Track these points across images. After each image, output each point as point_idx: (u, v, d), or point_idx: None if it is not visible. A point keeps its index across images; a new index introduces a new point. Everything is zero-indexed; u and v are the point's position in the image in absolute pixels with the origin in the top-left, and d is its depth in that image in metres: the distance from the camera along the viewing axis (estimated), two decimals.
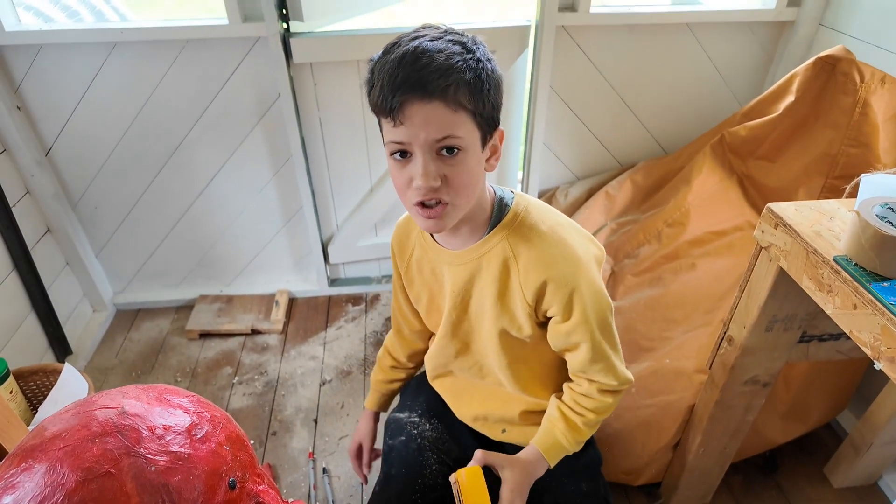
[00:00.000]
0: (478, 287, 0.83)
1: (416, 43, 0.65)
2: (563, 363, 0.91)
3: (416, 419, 1.01)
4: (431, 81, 0.64)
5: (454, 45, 0.66)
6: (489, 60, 0.69)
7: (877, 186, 0.78)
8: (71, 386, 1.27)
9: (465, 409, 0.99)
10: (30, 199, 1.63)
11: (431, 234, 0.86)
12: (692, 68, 1.72)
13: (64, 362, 1.34)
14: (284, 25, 1.49)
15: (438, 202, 0.71)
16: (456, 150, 0.68)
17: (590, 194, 1.80)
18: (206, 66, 1.53)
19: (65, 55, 1.48)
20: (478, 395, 0.97)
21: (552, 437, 0.87)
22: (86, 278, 1.83)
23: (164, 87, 1.55)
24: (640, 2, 1.78)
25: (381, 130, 0.72)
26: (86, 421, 0.51)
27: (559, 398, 0.90)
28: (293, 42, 1.49)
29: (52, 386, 1.30)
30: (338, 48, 1.53)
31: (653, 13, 1.59)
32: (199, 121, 1.63)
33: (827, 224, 0.80)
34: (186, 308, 1.94)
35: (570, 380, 0.92)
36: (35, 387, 1.38)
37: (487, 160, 0.74)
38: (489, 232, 0.79)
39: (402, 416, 1.02)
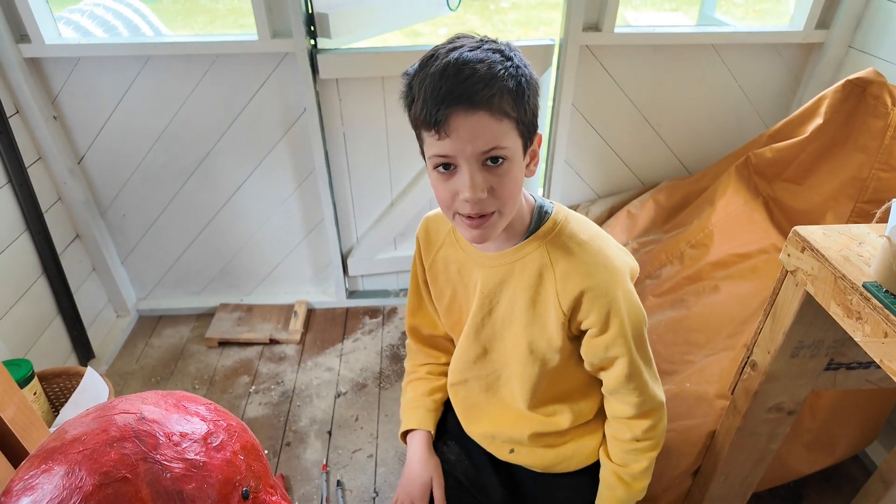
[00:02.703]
0: (508, 292, 0.82)
1: (455, 54, 0.65)
2: (585, 386, 0.89)
3: (435, 442, 0.99)
4: (476, 92, 0.63)
5: (493, 53, 0.66)
6: (527, 66, 0.69)
7: None
8: (92, 390, 1.29)
9: (474, 425, 0.98)
10: (61, 205, 1.68)
11: None
12: (717, 89, 1.70)
13: (87, 366, 1.37)
14: (312, 42, 1.53)
15: (485, 213, 0.70)
16: (501, 161, 0.68)
17: (611, 213, 1.79)
18: (235, 80, 1.57)
19: (101, 68, 1.53)
20: (488, 411, 0.95)
21: (616, 502, 0.87)
22: (111, 284, 1.87)
23: (194, 99, 1.59)
24: (665, 22, 1.78)
25: (422, 144, 0.72)
26: (105, 425, 0.52)
27: (608, 456, 0.89)
28: (320, 58, 1.52)
29: (75, 389, 1.32)
30: (363, 65, 1.56)
31: (677, 34, 1.59)
32: (226, 133, 1.66)
33: (856, 249, 0.78)
34: (207, 316, 1.97)
35: (587, 401, 0.91)
36: (58, 389, 1.40)
37: (528, 166, 0.74)
38: (527, 237, 0.79)
39: None
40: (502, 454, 0.96)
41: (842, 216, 1.26)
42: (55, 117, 1.58)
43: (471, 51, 0.65)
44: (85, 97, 1.57)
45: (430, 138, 0.68)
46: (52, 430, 1.08)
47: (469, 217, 0.70)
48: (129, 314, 1.95)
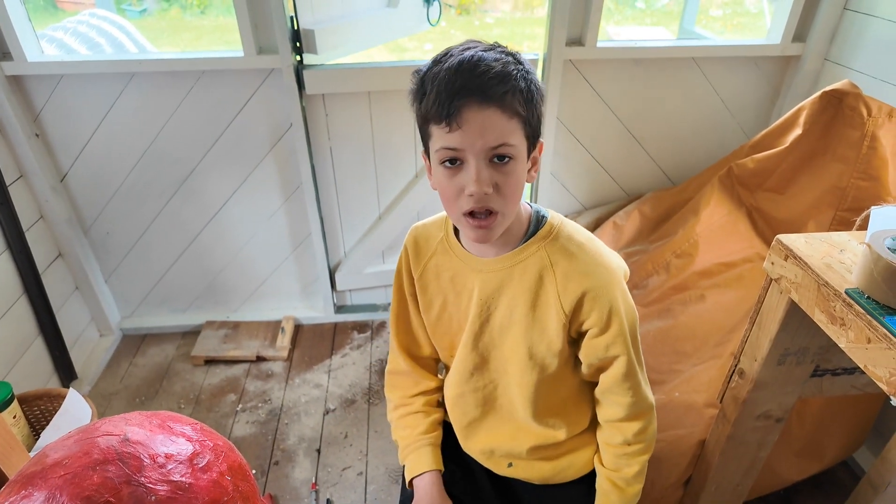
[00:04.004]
0: (506, 296, 0.82)
1: (470, 53, 0.67)
2: (578, 395, 0.89)
3: None
4: (491, 87, 0.66)
5: (506, 56, 0.69)
6: (534, 73, 0.72)
7: (887, 219, 0.78)
8: (74, 411, 1.26)
9: (471, 441, 0.96)
10: (43, 223, 1.65)
11: (458, 240, 0.85)
12: (699, 101, 1.73)
13: (69, 387, 1.34)
14: (298, 58, 1.53)
15: (489, 212, 0.71)
16: (507, 159, 0.69)
17: (597, 224, 1.81)
18: (221, 96, 1.57)
19: (84, 85, 1.52)
20: (486, 426, 0.94)
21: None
22: (94, 303, 1.84)
23: (179, 116, 1.59)
24: (646, 36, 1.82)
25: (428, 140, 0.73)
26: (87, 448, 0.51)
27: (601, 463, 0.89)
28: (306, 74, 1.52)
29: (56, 411, 1.29)
30: (350, 80, 1.56)
31: (658, 48, 1.62)
32: (211, 149, 1.65)
33: (838, 256, 0.79)
34: (193, 334, 1.94)
35: (580, 410, 0.91)
36: (39, 412, 1.37)
37: (528, 171, 0.76)
38: (526, 241, 0.80)
39: None
40: (501, 469, 0.95)
41: (823, 224, 1.29)
42: (37, 135, 1.56)
43: (485, 51, 0.68)
44: (68, 114, 1.56)
45: (439, 131, 0.69)
46: (32, 454, 1.05)
47: (473, 216, 0.72)
48: (113, 333, 1.92)
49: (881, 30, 1.41)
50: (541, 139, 0.75)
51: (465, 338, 0.88)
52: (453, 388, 0.94)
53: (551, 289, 0.78)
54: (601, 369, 0.83)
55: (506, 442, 0.93)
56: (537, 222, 0.81)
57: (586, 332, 0.80)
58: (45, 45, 1.53)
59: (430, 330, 0.94)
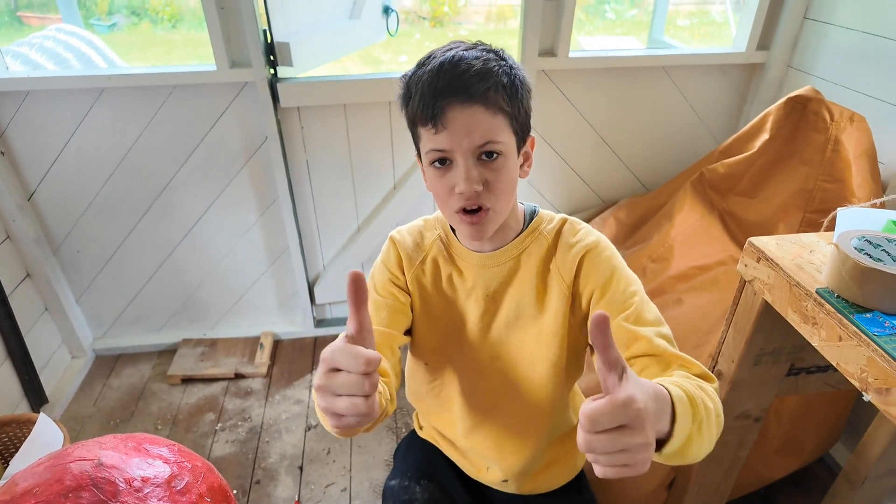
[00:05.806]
0: (514, 286, 0.81)
1: (451, 53, 0.68)
2: (573, 399, 0.89)
3: (407, 483, 0.96)
4: (472, 85, 0.66)
5: (488, 53, 0.69)
6: (520, 68, 0.72)
7: (853, 220, 0.81)
8: (45, 437, 1.22)
9: (471, 441, 0.92)
10: (10, 244, 1.61)
11: (457, 238, 0.83)
12: (669, 108, 1.77)
13: (39, 412, 1.29)
14: (272, 71, 1.52)
15: (479, 208, 0.71)
16: (496, 155, 0.70)
17: None
18: (194, 110, 1.55)
19: (52, 101, 1.49)
20: (484, 431, 0.90)
21: (683, 389, 0.62)
22: (65, 324, 1.79)
23: (151, 131, 1.56)
24: (617, 46, 1.85)
25: (418, 142, 0.73)
26: (59, 474, 0.49)
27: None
28: (280, 87, 1.51)
29: (26, 437, 1.25)
30: (324, 93, 1.56)
31: (629, 57, 1.65)
32: (185, 164, 1.63)
33: (808, 257, 0.81)
34: (169, 353, 1.90)
35: (574, 420, 0.90)
36: (7, 439, 1.32)
37: (521, 167, 0.76)
38: (524, 231, 0.81)
39: (394, 483, 0.97)
40: (495, 482, 0.93)
41: (792, 226, 1.32)
42: (2, 153, 1.52)
43: (466, 50, 0.69)
44: (35, 131, 1.52)
45: (426, 133, 0.70)
46: (1, 483, 1.01)
47: (465, 213, 0.72)
48: (86, 354, 1.86)
49: (839, 37, 1.47)
50: (531, 134, 0.75)
51: (469, 336, 0.85)
52: (459, 392, 0.89)
53: (553, 266, 0.79)
54: (626, 322, 0.73)
55: (505, 457, 0.90)
56: (531, 216, 0.83)
57: (588, 310, 0.77)
58: (9, 61, 1.50)
59: (417, 330, 0.88)
